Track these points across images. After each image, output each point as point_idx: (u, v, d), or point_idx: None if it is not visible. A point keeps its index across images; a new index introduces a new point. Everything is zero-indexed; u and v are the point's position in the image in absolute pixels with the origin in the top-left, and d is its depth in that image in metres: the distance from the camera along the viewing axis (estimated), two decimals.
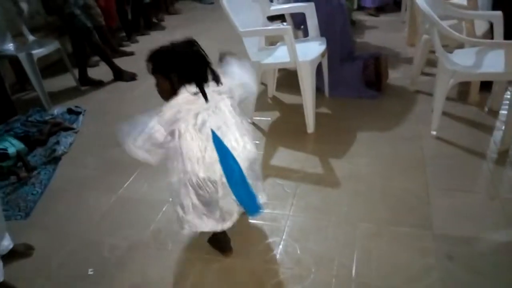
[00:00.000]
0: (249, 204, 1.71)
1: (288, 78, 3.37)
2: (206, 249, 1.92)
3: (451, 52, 2.61)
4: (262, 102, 3.19)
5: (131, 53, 4.64)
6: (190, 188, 1.60)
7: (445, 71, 2.40)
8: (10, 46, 3.57)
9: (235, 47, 4.35)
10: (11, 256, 1.98)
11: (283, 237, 1.94)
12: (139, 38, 5.23)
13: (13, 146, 2.79)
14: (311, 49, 2.74)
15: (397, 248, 1.81)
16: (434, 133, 2.56)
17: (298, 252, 1.85)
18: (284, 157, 2.56)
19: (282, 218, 2.05)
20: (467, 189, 2.13)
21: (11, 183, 2.61)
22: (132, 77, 3.95)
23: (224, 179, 1.58)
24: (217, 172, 1.57)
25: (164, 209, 2.20)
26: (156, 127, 1.55)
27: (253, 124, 2.95)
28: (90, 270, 1.88)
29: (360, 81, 3.19)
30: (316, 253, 1.83)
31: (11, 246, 1.98)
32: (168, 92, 1.58)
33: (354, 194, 2.17)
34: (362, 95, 3.10)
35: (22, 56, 3.39)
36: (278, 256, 1.84)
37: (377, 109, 2.96)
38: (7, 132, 3.04)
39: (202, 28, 5.40)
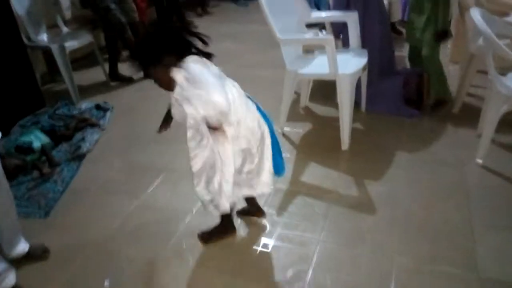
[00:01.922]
0: (280, 162, 1.79)
1: (322, 88, 3.22)
2: (229, 269, 1.80)
3: (503, 75, 2.42)
4: (294, 112, 3.05)
5: None
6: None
7: (499, 96, 2.22)
8: (43, 37, 3.55)
9: (267, 52, 4.27)
10: (26, 257, 1.91)
11: (313, 265, 1.80)
12: None
13: (38, 139, 2.74)
14: (352, 61, 2.59)
15: None
16: (480, 161, 2.36)
17: (329, 283, 1.71)
18: (315, 174, 2.42)
19: (312, 243, 1.91)
20: None
21: (34, 178, 2.55)
22: None
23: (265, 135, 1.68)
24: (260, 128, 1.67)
25: (187, 221, 2.10)
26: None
27: (283, 135, 2.82)
28: (106, 281, 1.79)
29: (399, 97, 3.02)
30: (348, 285, 1.69)
31: (26, 249, 1.91)
32: (170, 80, 1.51)
33: (390, 222, 2.01)
34: (401, 113, 2.92)
35: (54, 48, 3.36)
36: (306, 287, 1.70)
37: (416, 129, 2.78)
38: (34, 124, 3.01)
39: (234, 30, 5.30)
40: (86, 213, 2.25)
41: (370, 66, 2.75)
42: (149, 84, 1.64)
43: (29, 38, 3.40)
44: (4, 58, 3.00)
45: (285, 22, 2.60)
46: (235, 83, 1.68)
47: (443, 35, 2.81)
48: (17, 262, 1.86)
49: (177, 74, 1.49)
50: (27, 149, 2.66)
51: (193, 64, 1.51)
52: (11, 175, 2.54)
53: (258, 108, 1.73)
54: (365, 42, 2.85)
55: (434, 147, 2.58)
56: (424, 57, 2.85)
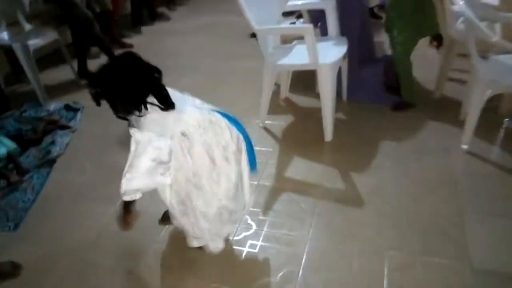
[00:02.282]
0: (253, 158, 1.73)
1: (303, 78, 3.13)
2: (217, 274, 1.71)
3: (485, 58, 2.38)
4: (275, 104, 2.94)
5: (130, 45, 4.38)
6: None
7: (482, 81, 2.17)
8: (4, 35, 3.33)
9: (244, 43, 4.15)
10: None
11: (302, 265, 1.72)
12: (143, 28, 4.98)
13: (3, 146, 2.56)
14: (332, 50, 2.51)
15: (433, 284, 1.60)
16: (465, 147, 2.33)
17: (320, 283, 1.63)
18: (299, 168, 2.34)
19: (300, 242, 1.84)
20: (509, 215, 1.91)
21: (1, 188, 2.39)
22: None
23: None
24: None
25: (167, 225, 1.98)
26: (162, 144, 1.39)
27: (265, 129, 2.72)
28: None
29: (380, 85, 2.96)
30: (340, 285, 1.62)
31: None
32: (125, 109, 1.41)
33: (380, 215, 1.95)
34: (382, 101, 2.87)
35: (17, 47, 3.15)
36: None
37: (400, 117, 2.73)
38: None
39: (209, 22, 5.15)
40: (59, 223, 2.11)
41: (350, 54, 2.67)
42: None
43: None
44: None
45: (261, 12, 2.48)
46: (195, 113, 1.52)
47: (439, 40, 2.72)
48: None
49: (132, 132, 1.41)
50: None
51: (143, 134, 1.40)
52: None
53: (228, 118, 1.61)
54: (344, 29, 2.76)
55: (418, 135, 2.54)
56: (395, 57, 2.72)
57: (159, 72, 1.42)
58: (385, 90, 2.93)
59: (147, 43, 4.59)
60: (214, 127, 1.52)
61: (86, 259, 1.86)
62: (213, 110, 1.58)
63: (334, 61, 2.38)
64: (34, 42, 3.28)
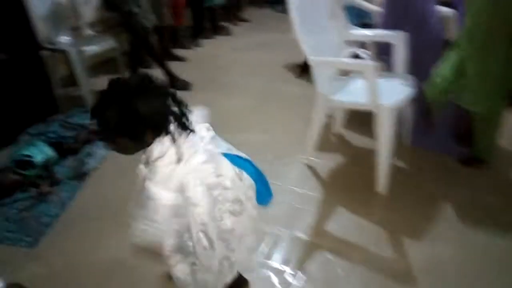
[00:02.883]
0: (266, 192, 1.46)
1: (360, 113, 2.81)
2: None
3: None
4: (324, 140, 2.64)
5: (182, 59, 4.30)
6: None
7: None
8: (64, 39, 3.35)
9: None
10: None
11: None
12: (203, 41, 4.92)
13: (42, 153, 2.52)
14: (396, 90, 2.20)
15: None
16: None
17: None
18: (342, 222, 2.04)
19: None
20: None
21: (30, 197, 2.32)
22: (185, 86, 3.61)
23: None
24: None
25: None
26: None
27: (308, 167, 2.45)
28: None
29: (449, 133, 2.57)
30: None
31: None
32: (135, 149, 1.24)
33: None
34: (451, 152, 2.48)
35: (72, 52, 3.16)
36: None
37: (473, 176, 2.32)
38: (42, 134, 2.80)
39: (268, 40, 4.98)
40: (78, 249, 1.98)
41: (419, 94, 2.33)
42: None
43: (48, 40, 3.21)
44: (17, 60, 2.82)
45: (319, 39, 2.25)
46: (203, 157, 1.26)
47: None
48: None
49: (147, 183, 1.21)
50: (27, 162, 2.44)
51: (157, 186, 1.19)
52: (8, 191, 2.33)
53: (243, 162, 1.38)
54: (414, 67, 2.43)
55: (494, 202, 2.12)
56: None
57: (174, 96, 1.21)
58: (455, 139, 2.53)
59: (203, 57, 4.50)
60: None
61: None
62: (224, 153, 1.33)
63: (396, 104, 2.07)
64: (91, 49, 3.28)
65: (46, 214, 2.20)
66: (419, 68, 2.40)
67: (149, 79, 1.16)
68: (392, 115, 2.06)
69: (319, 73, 2.25)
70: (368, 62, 2.05)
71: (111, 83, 1.15)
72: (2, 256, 1.79)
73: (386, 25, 2.49)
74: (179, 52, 4.45)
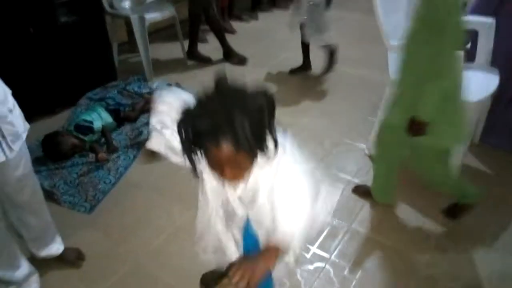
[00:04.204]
0: None
1: None
2: None
3: None
4: None
5: (231, 31, 4.17)
6: None
7: None
8: (126, 5, 3.34)
9: (363, 45, 3.68)
10: (58, 260, 1.71)
11: None
12: (261, 14, 4.77)
13: (100, 119, 2.55)
14: (479, 84, 2.00)
15: None
16: None
17: None
18: (407, 222, 1.92)
19: None
20: None
21: (88, 162, 2.36)
22: (241, 61, 3.52)
23: None
24: None
25: None
26: None
27: (370, 158, 2.33)
28: None
29: None
30: None
31: (60, 251, 1.70)
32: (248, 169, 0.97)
33: None
34: None
35: (134, 18, 3.13)
36: None
37: None
38: (101, 100, 2.82)
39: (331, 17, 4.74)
40: (133, 216, 2.01)
41: (499, 90, 2.13)
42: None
43: (111, 5, 3.20)
44: (83, 23, 2.82)
45: (398, 23, 2.06)
46: None
47: None
48: (45, 265, 1.66)
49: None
50: (87, 128, 2.47)
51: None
52: (67, 154, 2.38)
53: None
54: (497, 57, 2.21)
55: None
56: None
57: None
58: None
59: (260, 30, 4.36)
60: None
61: (146, 268, 1.71)
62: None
63: (481, 100, 1.89)
64: (152, 16, 3.24)
65: (104, 181, 2.23)
66: (504, 57, 2.18)
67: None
68: (475, 112, 1.88)
69: (395, 59, 2.08)
70: None
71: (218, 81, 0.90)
72: (61, 218, 1.83)
73: (476, 9, 2.26)
74: (234, 24, 4.34)
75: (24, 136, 1.37)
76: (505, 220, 1.90)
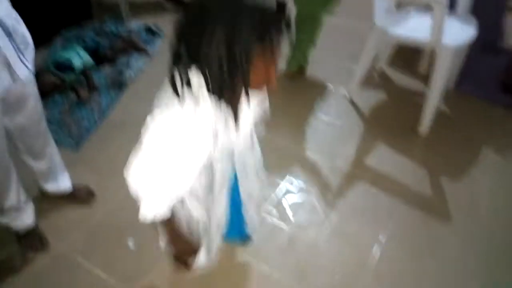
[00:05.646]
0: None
1: (405, 52, 2.71)
2: (271, 258, 1.54)
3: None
4: (367, 77, 2.57)
5: None
6: None
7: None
8: None
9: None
10: (68, 197, 1.72)
11: (368, 271, 1.51)
12: None
13: (80, 58, 2.47)
14: (458, 31, 2.09)
15: None
16: None
17: None
18: (383, 158, 2.05)
19: (370, 245, 1.61)
20: None
21: (69, 101, 2.32)
22: None
23: None
24: None
25: None
26: None
27: (351, 102, 2.42)
28: (130, 240, 1.59)
29: (495, 80, 2.49)
30: None
31: (69, 187, 1.71)
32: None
33: (468, 238, 1.66)
34: (496, 100, 2.43)
35: None
36: None
37: None
38: (78, 39, 2.72)
39: None
40: (119, 150, 1.98)
41: (483, 28, 2.21)
42: None
43: None
44: None
45: None
46: None
47: None
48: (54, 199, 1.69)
49: None
50: (67, 67, 2.40)
51: None
52: (47, 93, 2.31)
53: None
54: (476, 7, 2.29)
55: None
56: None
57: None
58: (502, 88, 2.47)
59: None
60: None
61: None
62: None
63: (460, 45, 1.99)
64: None
65: (87, 119, 2.21)
66: (483, 7, 2.27)
67: None
68: (453, 56, 1.98)
69: (380, 3, 2.13)
70: None
71: None
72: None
73: None
74: None
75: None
76: (474, 158, 2.06)
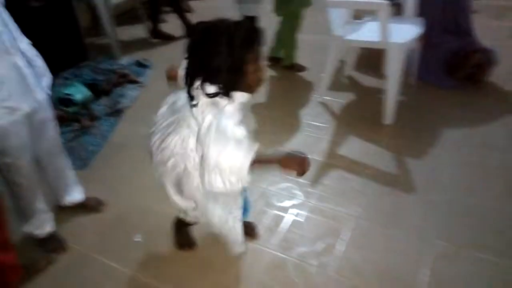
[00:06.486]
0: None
1: (369, 58, 3.05)
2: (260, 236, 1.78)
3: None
4: (337, 81, 2.91)
5: (188, 10, 4.38)
6: None
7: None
8: None
9: (312, 15, 4.06)
10: (80, 208, 1.97)
11: (344, 240, 1.75)
12: None
13: (80, 92, 2.78)
14: (405, 31, 2.41)
15: (476, 279, 1.57)
16: None
17: (359, 260, 1.66)
18: (354, 148, 2.32)
19: (346, 219, 1.86)
20: None
21: (74, 130, 2.61)
22: None
23: None
24: None
25: None
26: None
27: (322, 104, 2.71)
28: (137, 237, 1.83)
29: (442, 65, 2.79)
30: (380, 267, 1.63)
31: (82, 196, 1.96)
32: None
33: (431, 204, 1.91)
34: (446, 85, 2.74)
35: (99, 1, 3.33)
36: (335, 262, 1.66)
37: (470, 109, 2.59)
38: (77, 77, 3.04)
39: None
40: (122, 169, 2.28)
41: (428, 33, 2.54)
42: None
43: None
44: (50, 9, 3.01)
45: None
46: None
47: None
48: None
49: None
50: (69, 101, 2.70)
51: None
52: None
53: None
54: (423, 9, 2.62)
55: (487, 129, 2.41)
56: None
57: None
58: (446, 70, 2.78)
59: (212, 9, 4.63)
60: None
61: (141, 205, 2.01)
62: None
63: (405, 42, 2.30)
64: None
65: (92, 144, 2.49)
66: (428, 9, 2.61)
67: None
68: (401, 52, 2.29)
69: (335, 16, 2.46)
70: (381, 1, 2.23)
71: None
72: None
73: None
74: (191, 3, 4.59)
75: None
76: (434, 140, 2.34)
